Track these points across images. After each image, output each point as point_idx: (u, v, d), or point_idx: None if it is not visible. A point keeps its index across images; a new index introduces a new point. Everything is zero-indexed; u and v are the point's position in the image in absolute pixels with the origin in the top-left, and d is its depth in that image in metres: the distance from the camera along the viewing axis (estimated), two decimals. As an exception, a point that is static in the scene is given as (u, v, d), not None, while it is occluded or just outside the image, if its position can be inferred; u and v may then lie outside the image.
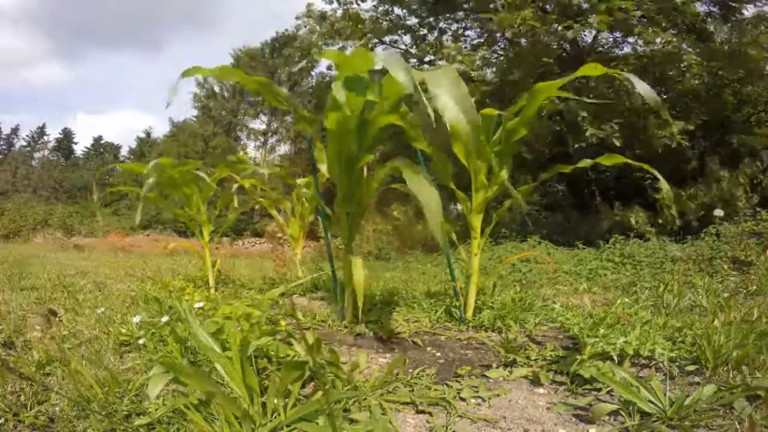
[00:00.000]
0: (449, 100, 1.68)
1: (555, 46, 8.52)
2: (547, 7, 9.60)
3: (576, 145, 8.15)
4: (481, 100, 9.03)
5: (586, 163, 2.53)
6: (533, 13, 8.36)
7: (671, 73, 8.88)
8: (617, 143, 7.77)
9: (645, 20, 8.61)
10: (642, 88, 1.83)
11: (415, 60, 10.86)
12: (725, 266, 4.53)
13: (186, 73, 2.20)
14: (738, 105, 9.68)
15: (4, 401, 1.48)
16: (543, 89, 2.22)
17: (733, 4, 9.21)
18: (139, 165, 4.19)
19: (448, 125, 1.68)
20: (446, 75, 1.76)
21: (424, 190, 1.80)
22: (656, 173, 2.34)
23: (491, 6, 9.89)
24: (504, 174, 2.60)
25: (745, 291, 3.45)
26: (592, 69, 1.99)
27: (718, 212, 3.94)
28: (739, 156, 8.47)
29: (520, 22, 8.25)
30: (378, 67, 1.75)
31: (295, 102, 2.51)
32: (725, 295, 3.10)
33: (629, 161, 2.44)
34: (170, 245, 5.39)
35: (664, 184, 2.30)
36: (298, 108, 2.45)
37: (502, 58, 10.59)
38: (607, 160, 2.47)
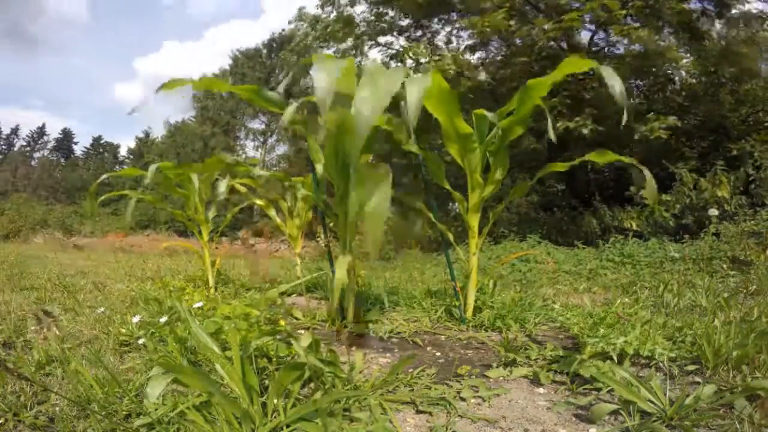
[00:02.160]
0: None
1: (539, 45, 8.52)
2: (540, 5, 9.62)
3: (554, 136, 8.16)
4: (473, 98, 9.05)
5: (579, 160, 2.52)
6: (505, 14, 8.39)
7: (664, 72, 8.91)
8: (585, 132, 7.81)
9: (636, 19, 8.63)
10: (618, 89, 1.79)
11: (410, 61, 10.86)
12: (725, 266, 4.53)
13: (166, 86, 2.11)
14: (735, 105, 9.69)
15: (4, 401, 1.48)
16: (535, 86, 2.20)
17: (728, 1, 9.22)
18: (132, 170, 4.20)
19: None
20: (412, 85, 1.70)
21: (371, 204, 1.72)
22: (645, 170, 2.30)
23: (482, 6, 9.91)
24: (499, 173, 2.60)
25: (744, 291, 3.45)
26: (574, 65, 1.98)
27: (713, 212, 3.95)
28: (736, 156, 8.47)
29: (494, 22, 8.29)
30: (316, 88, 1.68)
31: (284, 104, 2.50)
32: (725, 294, 3.10)
33: (620, 158, 2.41)
34: (164, 245, 5.36)
35: (650, 180, 2.26)
36: (290, 111, 2.44)
37: (498, 57, 10.61)
38: (598, 158, 2.44)
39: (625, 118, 1.81)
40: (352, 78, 2.00)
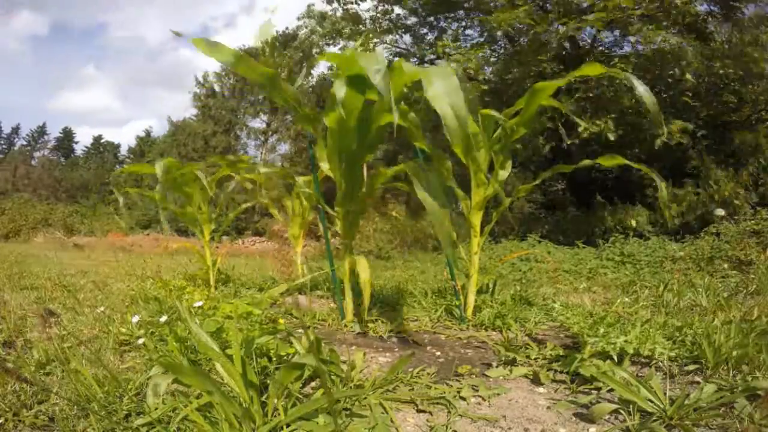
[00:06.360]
0: (443, 98, 1.68)
1: (554, 45, 8.51)
2: (548, 5, 9.60)
3: (570, 142, 8.13)
4: (481, 99, 9.04)
5: (586, 163, 2.53)
6: (526, 12, 8.37)
7: (672, 72, 8.88)
8: (611, 137, 7.76)
9: (646, 19, 8.61)
10: (642, 90, 1.82)
11: (415, 59, 10.87)
12: (725, 265, 4.53)
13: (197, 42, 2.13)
14: (738, 105, 9.68)
15: (4, 401, 1.48)
16: (543, 89, 2.22)
17: (735, 4, 9.20)
18: (141, 166, 4.20)
19: (443, 122, 1.68)
20: (440, 73, 1.75)
21: (428, 199, 1.82)
22: (655, 176, 2.34)
23: (491, 5, 9.89)
24: (503, 173, 2.60)
25: (745, 290, 3.45)
26: (591, 69, 1.99)
27: (719, 212, 3.93)
28: (739, 155, 8.47)
29: (513, 19, 8.27)
30: (364, 66, 1.74)
31: (300, 99, 2.46)
32: (725, 294, 3.10)
33: (629, 162, 2.44)
34: (169, 246, 5.37)
35: (662, 187, 2.31)
36: (301, 106, 2.42)
37: (502, 56, 10.60)
38: (607, 161, 2.47)
39: (663, 131, 1.88)
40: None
